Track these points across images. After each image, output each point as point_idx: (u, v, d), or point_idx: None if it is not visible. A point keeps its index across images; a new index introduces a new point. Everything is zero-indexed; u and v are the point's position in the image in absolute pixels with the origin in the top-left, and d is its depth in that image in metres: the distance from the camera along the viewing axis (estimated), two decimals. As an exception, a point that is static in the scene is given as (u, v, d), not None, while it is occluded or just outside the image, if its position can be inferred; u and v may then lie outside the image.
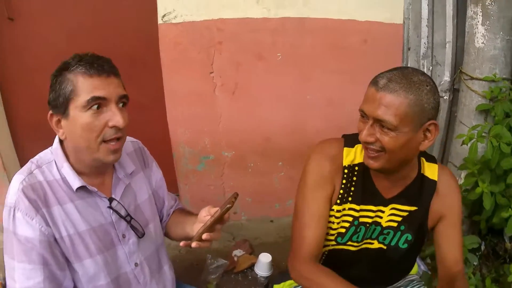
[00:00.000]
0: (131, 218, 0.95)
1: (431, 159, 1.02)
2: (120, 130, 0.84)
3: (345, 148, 1.00)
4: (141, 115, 1.91)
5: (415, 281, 1.14)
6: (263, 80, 1.86)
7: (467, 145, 1.58)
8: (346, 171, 0.99)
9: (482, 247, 1.75)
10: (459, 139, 1.65)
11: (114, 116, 0.82)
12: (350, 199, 0.99)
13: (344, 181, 0.99)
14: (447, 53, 1.88)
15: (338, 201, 0.99)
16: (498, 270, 1.67)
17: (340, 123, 1.87)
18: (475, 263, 1.62)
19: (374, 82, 0.85)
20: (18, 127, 2.04)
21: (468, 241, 1.53)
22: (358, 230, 0.99)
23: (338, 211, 0.99)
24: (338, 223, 1.00)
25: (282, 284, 1.20)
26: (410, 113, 0.82)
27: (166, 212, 1.13)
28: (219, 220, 0.85)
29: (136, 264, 0.97)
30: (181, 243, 0.87)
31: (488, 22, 1.62)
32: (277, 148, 1.98)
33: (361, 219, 0.99)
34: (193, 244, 0.83)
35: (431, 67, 1.91)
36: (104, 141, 0.84)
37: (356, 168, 0.99)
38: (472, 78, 1.69)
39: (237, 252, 1.88)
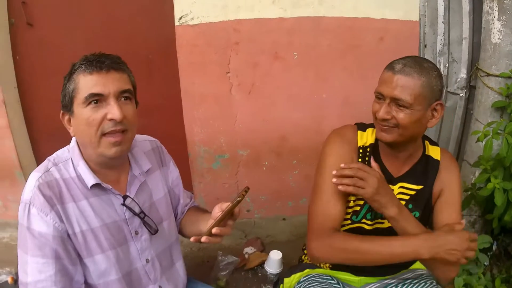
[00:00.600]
0: (145, 215, 1.00)
1: (433, 142, 1.19)
2: (119, 123, 0.89)
3: (359, 132, 1.18)
4: (157, 115, 2.03)
5: (424, 275, 1.23)
6: (279, 80, 1.93)
7: (482, 142, 1.60)
8: (361, 150, 1.16)
9: (494, 247, 1.79)
10: (474, 136, 1.68)
11: (111, 109, 0.88)
12: None
13: (360, 160, 1.15)
14: (464, 50, 1.90)
15: None
16: (509, 271, 1.72)
17: (356, 121, 1.92)
18: (486, 263, 1.68)
19: (390, 67, 1.03)
20: (35, 128, 2.14)
21: (480, 241, 1.61)
22: (371, 208, 1.13)
23: None
24: (354, 201, 1.16)
25: (292, 276, 1.30)
26: (423, 93, 1.00)
27: (181, 209, 1.20)
28: (230, 214, 0.90)
29: (147, 260, 1.03)
30: (192, 238, 0.89)
31: (504, 17, 1.64)
32: (292, 147, 2.05)
33: None
34: (203, 239, 0.86)
35: (447, 64, 1.95)
36: (104, 134, 0.89)
37: (368, 149, 1.16)
38: (488, 75, 1.72)
39: (249, 250, 1.97)
